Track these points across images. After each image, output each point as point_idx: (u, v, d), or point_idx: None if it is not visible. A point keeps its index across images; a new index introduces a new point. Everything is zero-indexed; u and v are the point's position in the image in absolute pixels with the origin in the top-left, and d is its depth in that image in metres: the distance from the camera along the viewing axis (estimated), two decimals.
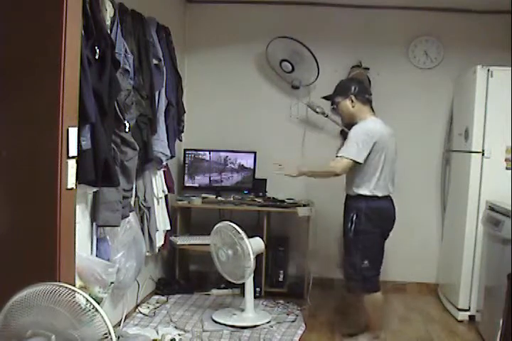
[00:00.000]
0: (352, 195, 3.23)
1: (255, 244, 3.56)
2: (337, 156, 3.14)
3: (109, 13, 2.75)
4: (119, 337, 2.94)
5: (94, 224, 2.85)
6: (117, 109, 2.76)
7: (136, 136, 3.08)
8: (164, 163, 3.69)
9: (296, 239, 4.39)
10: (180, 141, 4.03)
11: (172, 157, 3.72)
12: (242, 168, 4.42)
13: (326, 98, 3.52)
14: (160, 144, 3.48)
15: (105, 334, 1.68)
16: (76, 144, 2.11)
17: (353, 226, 3.17)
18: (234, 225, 3.51)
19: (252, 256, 3.45)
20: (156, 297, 3.98)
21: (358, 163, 3.11)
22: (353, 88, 3.26)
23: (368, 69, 4.35)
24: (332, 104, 4.36)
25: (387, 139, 3.19)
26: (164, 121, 3.54)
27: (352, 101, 3.25)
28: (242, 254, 3.47)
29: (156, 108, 3.38)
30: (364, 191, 3.17)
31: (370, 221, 3.15)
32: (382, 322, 3.35)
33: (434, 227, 4.46)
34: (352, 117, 3.30)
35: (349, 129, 4.23)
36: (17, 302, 1.70)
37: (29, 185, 2.06)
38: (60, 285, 1.71)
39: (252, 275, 3.59)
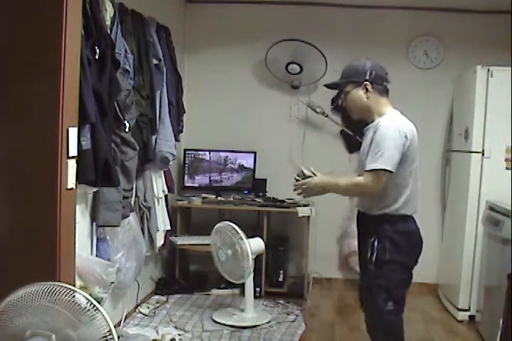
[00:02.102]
0: (371, 215, 2.48)
1: (255, 244, 3.56)
2: (368, 170, 2.35)
3: (109, 13, 2.75)
4: (119, 337, 2.93)
5: (94, 224, 2.85)
6: (117, 109, 2.76)
7: (136, 136, 3.08)
8: (171, 163, 3.70)
9: (296, 239, 4.39)
10: (178, 141, 4.03)
11: None
12: (242, 168, 4.42)
13: (329, 86, 2.70)
14: (167, 144, 3.49)
15: (106, 333, 1.68)
16: (76, 144, 2.11)
17: (375, 255, 2.40)
18: (233, 225, 3.51)
19: (250, 257, 3.45)
20: (156, 297, 3.98)
21: (389, 172, 2.35)
22: (368, 72, 2.48)
23: None
24: (332, 103, 4.41)
25: (416, 139, 2.47)
26: (170, 121, 3.55)
27: (367, 90, 2.47)
28: (241, 254, 3.47)
29: (156, 108, 3.38)
30: (390, 209, 2.41)
31: (397, 248, 2.40)
32: None
33: (434, 227, 4.46)
34: (365, 112, 2.52)
35: (351, 129, 4.25)
36: (12, 302, 1.70)
37: (29, 185, 2.06)
38: (57, 285, 1.71)
39: (252, 275, 3.59)
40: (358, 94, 2.49)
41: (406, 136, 2.38)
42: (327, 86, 2.70)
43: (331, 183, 2.50)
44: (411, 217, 2.47)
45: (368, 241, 2.43)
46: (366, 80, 2.47)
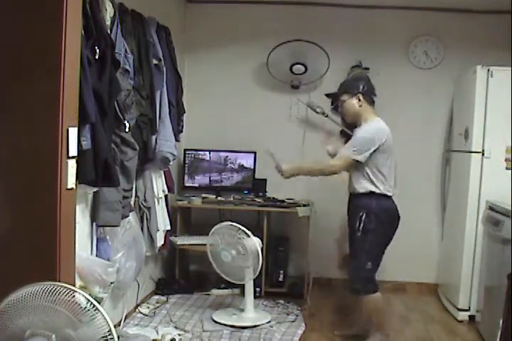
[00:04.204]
0: (360, 193, 3.14)
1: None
2: (341, 156, 3.12)
3: (109, 13, 2.75)
4: (119, 337, 2.93)
5: (94, 224, 2.85)
6: (117, 109, 2.76)
7: (136, 136, 3.08)
8: (171, 163, 3.70)
9: (296, 239, 4.39)
10: (178, 141, 4.02)
11: None
12: (242, 168, 4.42)
13: (329, 95, 3.37)
14: (167, 144, 3.49)
15: (106, 333, 1.68)
16: (76, 144, 2.11)
17: (362, 225, 3.09)
18: (236, 224, 3.52)
19: (259, 252, 3.46)
20: (156, 297, 3.98)
21: (358, 161, 3.07)
22: (361, 86, 3.16)
23: (368, 69, 4.35)
24: (332, 103, 4.41)
25: (392, 140, 3.15)
26: (170, 122, 3.55)
27: (359, 100, 3.15)
28: (247, 253, 3.47)
29: (156, 108, 3.38)
30: (376, 189, 3.11)
31: (379, 220, 3.09)
32: (386, 320, 3.32)
33: (434, 227, 4.46)
34: (356, 117, 3.21)
35: (351, 130, 4.25)
36: (12, 302, 1.70)
37: (29, 185, 2.06)
38: (58, 285, 1.71)
39: (251, 275, 3.59)
40: (352, 102, 3.16)
41: (380, 137, 3.07)
42: (328, 95, 3.32)
43: (295, 169, 3.32)
44: (390, 197, 3.17)
45: (357, 214, 3.11)
46: (359, 92, 3.15)
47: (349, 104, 3.17)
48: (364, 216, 3.09)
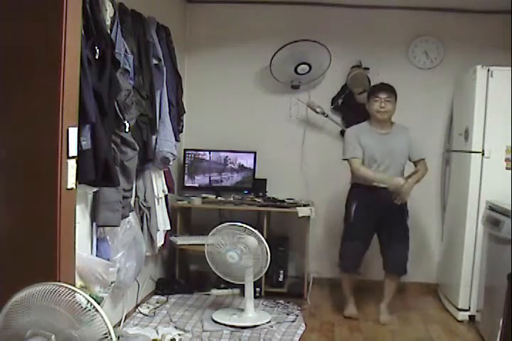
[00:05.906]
0: None
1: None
2: (423, 159, 3.74)
3: (109, 13, 2.75)
4: (119, 337, 2.94)
5: (94, 224, 2.85)
6: (117, 109, 2.76)
7: (136, 136, 3.08)
8: (171, 163, 3.70)
9: (296, 239, 4.38)
10: (178, 141, 4.02)
11: None
12: (242, 168, 4.42)
13: (385, 88, 3.71)
14: (167, 144, 3.49)
15: (105, 334, 1.68)
16: (76, 144, 2.11)
17: (407, 213, 3.75)
18: (239, 223, 3.52)
19: (267, 249, 3.48)
20: (156, 297, 3.98)
21: None
22: None
23: (368, 69, 4.35)
24: (332, 103, 4.42)
25: None
26: (170, 122, 3.55)
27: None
28: (249, 252, 3.48)
29: (156, 108, 3.38)
30: None
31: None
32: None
33: (434, 227, 4.46)
34: (391, 117, 3.73)
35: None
36: (17, 302, 1.70)
37: (29, 185, 2.06)
38: (60, 285, 1.72)
39: (252, 275, 3.59)
40: (395, 105, 3.70)
41: None
42: (388, 90, 3.67)
43: (411, 184, 3.65)
44: None
45: (402, 207, 3.70)
46: None
47: (394, 106, 3.68)
48: (407, 207, 3.73)
